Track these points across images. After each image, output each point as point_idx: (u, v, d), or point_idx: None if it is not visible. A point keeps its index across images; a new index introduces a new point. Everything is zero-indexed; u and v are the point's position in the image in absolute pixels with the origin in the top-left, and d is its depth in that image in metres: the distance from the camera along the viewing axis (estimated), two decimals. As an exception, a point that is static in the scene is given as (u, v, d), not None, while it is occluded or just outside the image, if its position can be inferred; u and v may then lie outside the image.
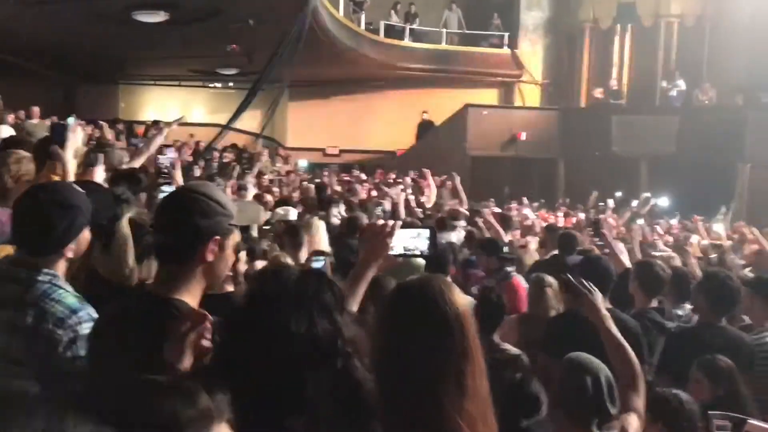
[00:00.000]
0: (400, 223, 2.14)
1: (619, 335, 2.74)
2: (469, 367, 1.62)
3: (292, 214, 5.90)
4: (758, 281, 4.29)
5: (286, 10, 10.45)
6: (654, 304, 4.44)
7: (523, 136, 18.46)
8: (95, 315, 2.03)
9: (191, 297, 1.83)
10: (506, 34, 20.74)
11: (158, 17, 11.18)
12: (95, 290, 2.28)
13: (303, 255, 4.45)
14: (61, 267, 2.12)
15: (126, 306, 1.93)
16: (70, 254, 2.13)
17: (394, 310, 1.71)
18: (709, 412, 2.80)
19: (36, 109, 11.61)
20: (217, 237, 1.83)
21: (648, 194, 14.73)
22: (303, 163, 11.94)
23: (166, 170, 3.69)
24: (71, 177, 3.21)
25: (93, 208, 2.19)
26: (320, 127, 20.63)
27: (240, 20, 11.64)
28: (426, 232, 2.24)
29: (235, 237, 1.93)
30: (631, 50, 19.74)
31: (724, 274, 4.11)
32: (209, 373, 1.49)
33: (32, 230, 2.08)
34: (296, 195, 10.11)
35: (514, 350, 3.79)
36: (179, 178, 3.76)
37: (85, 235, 2.18)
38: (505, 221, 7.84)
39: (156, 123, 15.79)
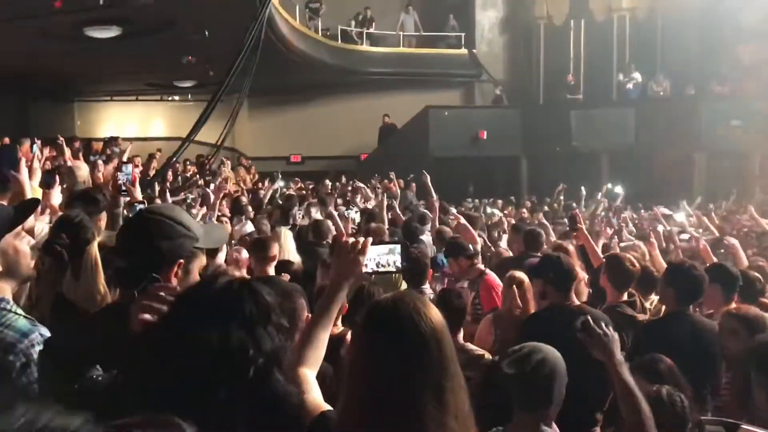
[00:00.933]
0: (371, 239, 2.12)
1: (632, 383, 2.61)
2: (449, 383, 1.62)
3: (248, 227, 5.86)
4: (715, 269, 4.37)
5: (240, 20, 10.36)
6: (624, 297, 4.50)
7: (485, 135, 18.58)
8: (47, 334, 1.97)
9: None
10: (463, 35, 20.88)
11: (111, 32, 10.98)
12: (62, 317, 2.22)
13: (271, 269, 4.39)
14: (6, 288, 2.05)
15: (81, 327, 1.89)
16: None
17: (370, 329, 1.70)
18: (702, 418, 2.82)
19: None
20: (181, 260, 1.80)
21: (609, 185, 14.97)
22: (280, 182, 11.72)
23: (125, 188, 3.61)
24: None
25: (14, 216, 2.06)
26: (282, 135, 20.55)
27: (195, 32, 11.51)
28: (397, 247, 2.22)
29: (202, 260, 1.90)
30: (585, 45, 20.03)
31: (688, 264, 4.17)
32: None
33: None
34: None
35: (478, 350, 3.80)
36: (138, 194, 3.69)
37: (10, 242, 2.06)
38: (472, 221, 7.93)
39: (113, 139, 15.58)
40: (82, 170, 5.39)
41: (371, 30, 20.25)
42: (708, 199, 14.61)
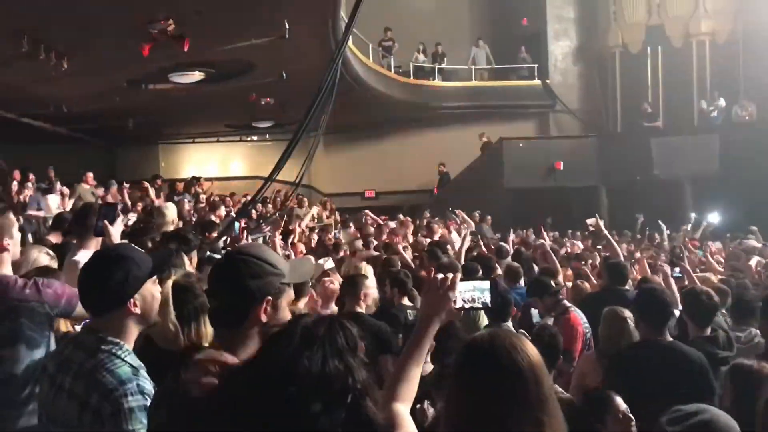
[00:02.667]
0: (459, 275, 2.10)
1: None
2: (547, 418, 1.62)
3: (328, 263, 5.93)
4: None
5: (316, 62, 10.63)
6: (707, 332, 4.26)
7: (562, 166, 18.29)
8: (147, 387, 2.03)
9: (248, 357, 1.79)
10: (536, 66, 20.78)
11: (194, 77, 11.48)
12: (149, 356, 2.28)
13: (362, 306, 4.45)
14: (129, 329, 2.14)
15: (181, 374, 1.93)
16: (136, 310, 2.14)
17: (468, 366, 1.72)
18: None
19: (90, 175, 11.90)
20: (269, 297, 1.84)
21: (694, 214, 14.45)
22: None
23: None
24: None
25: (154, 264, 2.21)
26: (356, 171, 20.82)
27: (272, 74, 11.88)
28: (486, 284, 2.19)
29: (290, 295, 1.94)
30: (663, 72, 19.56)
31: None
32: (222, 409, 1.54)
33: (90, 286, 2.13)
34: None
35: (565, 395, 3.64)
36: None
37: (149, 288, 2.19)
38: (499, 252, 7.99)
39: (196, 179, 16.17)
40: (171, 210, 5.60)
41: (443, 65, 20.40)
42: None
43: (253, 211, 10.18)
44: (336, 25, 10.83)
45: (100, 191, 11.94)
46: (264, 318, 1.83)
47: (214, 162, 21.41)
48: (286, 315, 1.90)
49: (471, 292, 2.16)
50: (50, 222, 6.70)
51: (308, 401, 1.41)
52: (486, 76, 20.98)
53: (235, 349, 1.82)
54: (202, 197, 13.82)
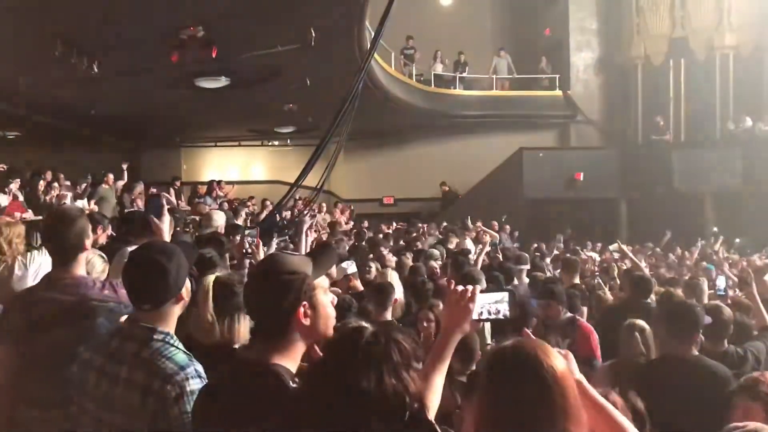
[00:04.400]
0: (479, 287, 2.15)
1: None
2: (573, 427, 1.63)
3: (351, 267, 5.97)
4: None
5: (340, 69, 10.73)
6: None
7: (582, 177, 18.25)
8: (202, 371, 2.14)
9: (291, 360, 1.88)
10: (557, 76, 20.77)
11: (220, 83, 11.61)
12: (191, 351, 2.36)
13: (389, 314, 4.50)
14: (173, 320, 2.25)
15: (230, 375, 1.99)
16: (182, 302, 2.26)
17: (494, 377, 1.74)
18: None
19: (111, 176, 12.14)
20: (304, 302, 1.87)
21: (715, 229, 14.37)
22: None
23: (250, 251, 3.84)
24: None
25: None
26: (375, 177, 20.89)
27: (297, 81, 12.00)
28: (505, 295, 2.23)
29: (322, 286, 1.96)
30: (686, 84, 19.46)
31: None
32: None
33: (149, 281, 2.20)
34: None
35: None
36: (261, 255, 3.87)
37: (188, 284, 2.30)
38: (570, 265, 7.74)
39: (217, 183, 16.31)
40: (219, 217, 5.64)
41: (464, 74, 20.44)
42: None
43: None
44: (361, 34, 10.92)
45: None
46: (306, 321, 1.86)
47: (235, 166, 21.61)
48: (327, 308, 1.93)
49: (494, 304, 2.19)
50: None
51: (368, 419, 1.47)
52: (507, 86, 20.98)
53: (280, 355, 1.85)
54: (224, 202, 13.94)
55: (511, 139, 19.49)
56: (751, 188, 16.27)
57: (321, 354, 1.77)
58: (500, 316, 2.21)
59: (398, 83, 16.95)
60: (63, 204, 9.10)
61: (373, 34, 9.81)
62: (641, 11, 19.91)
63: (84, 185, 11.59)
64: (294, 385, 1.83)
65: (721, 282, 6.23)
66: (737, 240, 13.66)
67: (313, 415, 1.51)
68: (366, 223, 14.84)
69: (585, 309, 6.04)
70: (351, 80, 8.74)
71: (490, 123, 20.19)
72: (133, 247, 2.58)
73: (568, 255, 8.59)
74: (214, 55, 9.08)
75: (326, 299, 1.94)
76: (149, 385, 2.07)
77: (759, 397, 2.79)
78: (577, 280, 6.88)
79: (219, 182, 16.44)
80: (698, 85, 19.10)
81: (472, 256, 8.02)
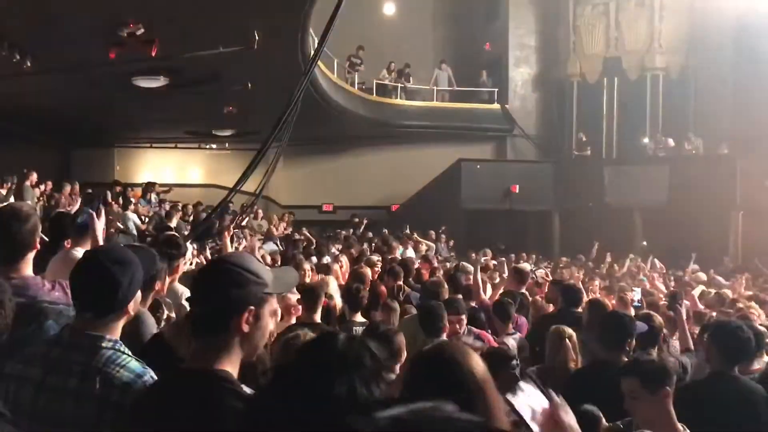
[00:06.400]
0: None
1: None
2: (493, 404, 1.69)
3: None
4: None
5: (281, 73, 10.68)
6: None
7: (517, 189, 18.66)
8: (155, 378, 2.05)
9: (231, 366, 1.84)
10: (496, 90, 21.19)
11: (159, 82, 11.37)
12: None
13: (317, 316, 4.51)
14: (118, 329, 2.15)
15: (167, 380, 1.95)
16: (131, 312, 2.17)
17: (416, 378, 1.77)
18: None
19: (34, 174, 11.74)
20: (252, 307, 1.84)
21: (645, 243, 14.89)
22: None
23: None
24: None
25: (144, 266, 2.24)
26: (315, 184, 20.84)
27: (238, 83, 11.87)
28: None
29: (272, 305, 1.93)
30: (618, 102, 20.17)
31: (735, 323, 4.12)
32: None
33: (97, 290, 2.10)
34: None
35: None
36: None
37: (138, 296, 2.21)
38: (521, 275, 7.37)
39: (151, 184, 15.96)
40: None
41: (406, 84, 20.62)
42: (744, 258, 14.46)
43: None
44: (305, 40, 10.90)
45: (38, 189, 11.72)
46: (246, 328, 1.82)
47: (170, 168, 21.15)
48: (267, 325, 1.90)
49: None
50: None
51: (335, 426, 1.42)
52: (447, 98, 21.27)
53: (219, 355, 1.82)
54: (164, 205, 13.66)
55: (450, 150, 19.78)
56: (677, 203, 16.95)
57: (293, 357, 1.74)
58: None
59: (340, 90, 16.98)
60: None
61: (317, 41, 9.80)
62: (578, 30, 20.55)
63: (9, 183, 11.21)
64: (249, 390, 1.81)
65: (636, 295, 6.49)
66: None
67: (278, 420, 1.47)
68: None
69: (524, 318, 6.15)
70: (293, 85, 8.68)
71: (430, 134, 20.44)
72: (78, 250, 2.50)
73: (516, 266, 8.69)
74: (153, 54, 8.90)
75: (270, 320, 1.92)
76: (106, 397, 1.97)
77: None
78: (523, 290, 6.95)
79: (153, 184, 16.10)
80: (630, 103, 19.83)
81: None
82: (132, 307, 2.17)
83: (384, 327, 4.03)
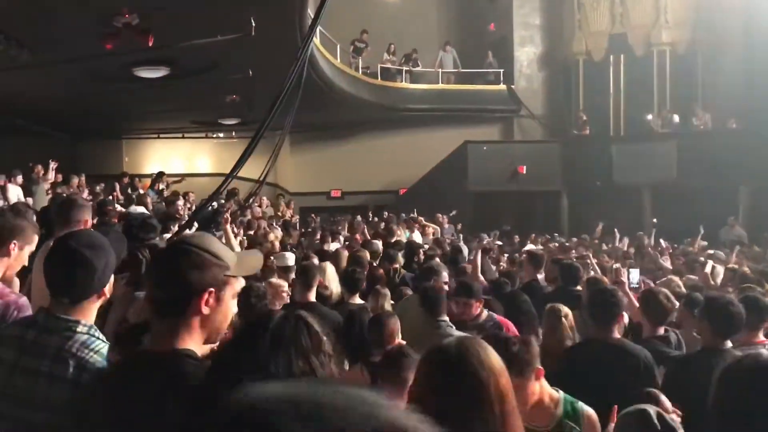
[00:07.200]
0: None
1: None
2: (511, 419, 1.70)
3: (290, 259, 6.02)
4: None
5: (283, 60, 10.64)
6: (660, 332, 4.45)
7: (525, 170, 18.57)
8: None
9: (195, 346, 1.83)
10: (501, 71, 21.04)
11: (159, 72, 11.38)
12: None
13: (312, 295, 4.55)
14: (93, 314, 2.19)
15: (129, 360, 1.97)
16: (107, 295, 2.22)
17: (431, 373, 1.78)
18: None
19: (39, 167, 11.82)
20: (212, 289, 1.83)
21: (655, 220, 14.78)
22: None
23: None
24: None
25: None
26: (322, 170, 20.84)
27: (238, 71, 11.85)
28: None
29: (234, 287, 1.92)
30: (625, 80, 19.98)
31: (726, 298, 4.11)
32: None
33: (72, 275, 2.12)
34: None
35: None
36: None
37: (111, 280, 2.24)
38: (537, 259, 6.99)
39: (160, 174, 16.03)
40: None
41: (410, 67, 20.53)
42: (751, 233, 14.34)
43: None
44: (303, 24, 10.84)
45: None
46: (206, 310, 1.81)
47: (178, 158, 21.23)
48: (228, 308, 1.89)
49: None
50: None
51: None
52: (453, 80, 21.17)
53: (181, 336, 1.81)
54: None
55: (456, 132, 19.68)
56: (685, 180, 16.80)
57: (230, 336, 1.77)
58: None
59: (344, 76, 16.92)
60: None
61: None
62: (582, 7, 20.33)
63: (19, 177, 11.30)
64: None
65: (634, 276, 6.45)
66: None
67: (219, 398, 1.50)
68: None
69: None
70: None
71: (436, 116, 20.36)
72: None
73: (529, 250, 8.59)
74: (150, 44, 8.89)
75: (232, 302, 1.91)
76: (78, 379, 2.00)
77: None
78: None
79: (162, 174, 16.17)
80: (637, 80, 19.63)
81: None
82: (107, 289, 2.19)
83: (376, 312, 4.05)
